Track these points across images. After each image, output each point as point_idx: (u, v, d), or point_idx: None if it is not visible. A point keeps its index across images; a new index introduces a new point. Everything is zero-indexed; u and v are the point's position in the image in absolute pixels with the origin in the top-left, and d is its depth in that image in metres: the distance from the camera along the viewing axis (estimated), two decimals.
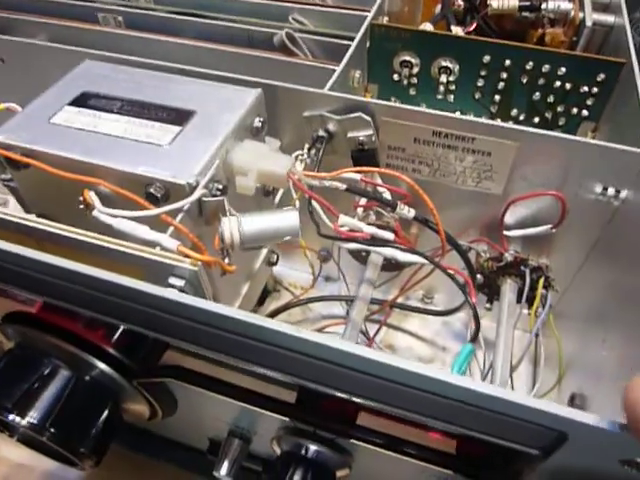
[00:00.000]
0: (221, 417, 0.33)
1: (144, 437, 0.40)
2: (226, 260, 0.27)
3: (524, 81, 0.42)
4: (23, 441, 0.33)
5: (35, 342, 0.31)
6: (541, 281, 0.36)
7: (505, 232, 0.37)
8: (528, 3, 0.49)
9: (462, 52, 0.42)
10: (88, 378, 0.30)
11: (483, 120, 0.32)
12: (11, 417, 0.28)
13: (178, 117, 0.32)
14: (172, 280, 0.25)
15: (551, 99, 0.42)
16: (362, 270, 0.43)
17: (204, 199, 0.27)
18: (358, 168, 0.31)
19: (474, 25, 0.51)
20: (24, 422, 0.28)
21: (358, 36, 0.40)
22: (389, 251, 0.30)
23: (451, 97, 0.44)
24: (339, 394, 0.23)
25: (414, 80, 0.44)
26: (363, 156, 0.35)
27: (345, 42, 0.41)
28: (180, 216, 0.27)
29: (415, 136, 0.34)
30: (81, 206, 0.30)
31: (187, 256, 0.25)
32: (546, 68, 0.40)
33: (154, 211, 0.26)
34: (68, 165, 0.30)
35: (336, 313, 0.48)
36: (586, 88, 0.41)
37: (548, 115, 0.43)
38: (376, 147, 0.35)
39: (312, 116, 0.36)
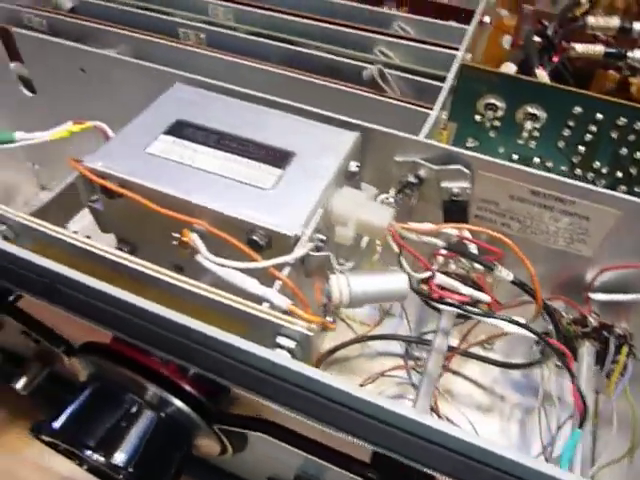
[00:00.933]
0: (290, 463, 0.33)
1: (198, 464, 0.40)
2: (328, 318, 0.27)
3: (614, 136, 0.41)
4: (90, 470, 0.33)
5: (111, 374, 0.30)
6: (624, 350, 0.35)
7: (591, 295, 0.36)
8: (615, 50, 0.48)
9: (552, 101, 0.41)
10: (167, 418, 0.30)
11: (588, 185, 0.31)
12: (89, 453, 0.28)
13: (278, 158, 0.31)
14: (280, 340, 0.24)
15: (638, 155, 0.41)
16: (423, 307, 0.42)
17: (311, 253, 0.27)
18: (460, 225, 0.30)
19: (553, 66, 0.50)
20: (104, 461, 0.28)
21: (450, 77, 0.39)
22: (494, 321, 0.29)
23: (533, 143, 0.43)
24: (421, 467, 0.22)
25: (497, 123, 0.43)
26: (455, 208, 0.34)
27: (435, 82, 0.40)
28: (287, 270, 0.26)
29: (512, 193, 0.33)
30: (174, 242, 0.29)
31: (297, 316, 0.24)
32: (639, 126, 0.39)
33: (264, 263, 0.25)
34: (165, 200, 0.29)
35: (393, 350, 0.47)
36: None
37: (633, 171, 0.42)
38: (469, 199, 0.34)
39: (404, 161, 0.35)
